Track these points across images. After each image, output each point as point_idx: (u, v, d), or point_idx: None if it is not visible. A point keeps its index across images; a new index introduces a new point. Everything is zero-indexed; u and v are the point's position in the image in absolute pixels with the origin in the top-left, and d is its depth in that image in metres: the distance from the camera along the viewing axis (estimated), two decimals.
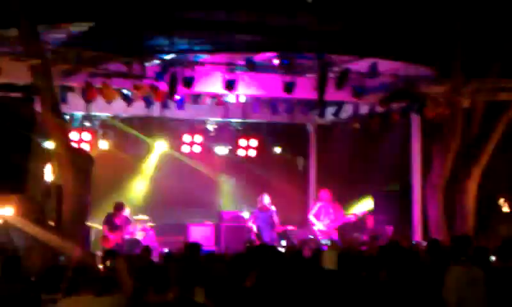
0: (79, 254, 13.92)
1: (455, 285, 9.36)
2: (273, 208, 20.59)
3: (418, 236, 19.74)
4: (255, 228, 20.19)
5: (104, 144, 20.84)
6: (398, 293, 9.08)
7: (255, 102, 20.39)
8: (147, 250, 14.21)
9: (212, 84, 17.93)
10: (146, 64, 16.29)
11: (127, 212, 19.95)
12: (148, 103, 18.06)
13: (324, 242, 19.19)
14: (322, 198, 20.65)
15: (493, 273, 10.38)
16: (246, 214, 22.13)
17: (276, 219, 20.34)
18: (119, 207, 19.94)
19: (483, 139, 19.14)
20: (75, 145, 17.64)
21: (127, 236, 19.68)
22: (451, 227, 19.11)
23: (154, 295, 7.42)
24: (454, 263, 9.58)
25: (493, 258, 12.15)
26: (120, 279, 8.52)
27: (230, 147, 22.91)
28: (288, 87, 17.40)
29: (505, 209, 20.50)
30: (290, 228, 21.22)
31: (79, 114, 19.58)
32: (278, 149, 23.46)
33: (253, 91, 18.71)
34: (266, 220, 20.10)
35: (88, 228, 18.71)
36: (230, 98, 20.08)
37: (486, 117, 19.23)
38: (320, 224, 20.27)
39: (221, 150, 22.98)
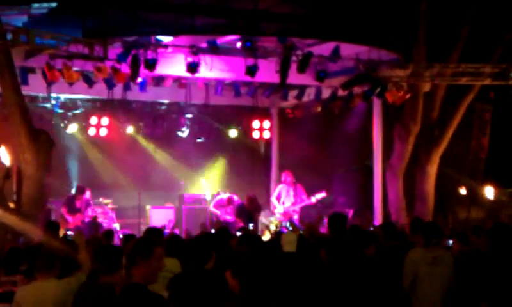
0: (39, 236, 13.87)
1: (412, 264, 9.57)
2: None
3: (378, 218, 19.91)
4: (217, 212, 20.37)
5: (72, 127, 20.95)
6: (356, 275, 9.20)
7: (217, 85, 20.37)
8: (108, 233, 14.15)
9: (174, 66, 17.91)
10: (108, 46, 16.17)
11: (87, 194, 19.84)
12: (110, 85, 17.94)
13: (284, 224, 19.28)
14: (284, 180, 20.73)
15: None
16: (208, 197, 22.17)
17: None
18: (80, 190, 19.81)
19: (443, 123, 19.35)
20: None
21: (87, 219, 19.59)
22: (411, 210, 19.34)
23: (105, 275, 7.39)
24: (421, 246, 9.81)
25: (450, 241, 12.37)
26: (78, 255, 8.46)
27: (192, 130, 22.86)
28: (251, 71, 17.39)
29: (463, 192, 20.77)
30: None
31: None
32: (240, 132, 23.43)
33: (216, 74, 18.68)
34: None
35: (49, 209, 18.58)
36: (193, 80, 20.04)
37: (446, 101, 19.45)
38: (281, 206, 20.35)
39: (183, 133, 22.91)
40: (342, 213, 10.50)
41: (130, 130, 21.74)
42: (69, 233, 16.71)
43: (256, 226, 19.42)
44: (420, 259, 9.64)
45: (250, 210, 19.93)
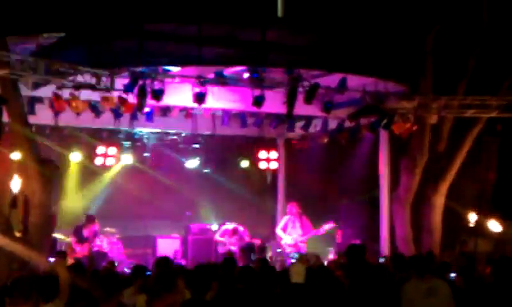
0: (45, 265, 13.85)
1: (407, 297, 9.51)
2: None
3: (385, 250, 19.82)
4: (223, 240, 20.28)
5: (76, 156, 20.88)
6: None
7: (224, 115, 20.38)
8: (111, 263, 14.18)
9: (181, 96, 17.92)
10: (115, 76, 16.21)
11: (96, 224, 19.85)
12: (117, 115, 17.97)
13: (291, 255, 19.20)
14: (290, 211, 20.66)
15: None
16: (214, 227, 22.10)
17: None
18: (89, 219, 19.84)
19: (450, 155, 19.31)
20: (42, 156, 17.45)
21: (94, 249, 19.56)
22: (418, 242, 19.25)
23: (103, 303, 7.41)
24: (416, 277, 9.76)
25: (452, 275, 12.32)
26: (59, 283, 8.47)
27: (199, 160, 22.83)
28: (258, 101, 17.39)
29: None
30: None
31: None
32: (247, 163, 23.40)
33: (223, 104, 18.71)
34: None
35: (55, 239, 18.58)
36: (199, 111, 20.05)
37: (453, 133, 19.42)
38: (288, 237, 20.27)
39: (191, 163, 22.89)
40: (360, 245, 10.43)
41: (130, 160, 21.68)
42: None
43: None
44: (414, 292, 9.56)
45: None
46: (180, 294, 6.39)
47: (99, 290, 8.03)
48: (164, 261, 10.87)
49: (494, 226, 20.18)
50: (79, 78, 15.64)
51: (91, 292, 8.72)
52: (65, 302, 8.25)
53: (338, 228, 20.62)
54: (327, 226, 20.18)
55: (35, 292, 8.36)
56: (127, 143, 21.34)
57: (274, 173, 24.30)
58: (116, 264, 15.19)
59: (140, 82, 16.37)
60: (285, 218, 20.83)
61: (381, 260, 17.89)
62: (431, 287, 9.56)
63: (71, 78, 15.63)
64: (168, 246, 21.25)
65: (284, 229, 20.50)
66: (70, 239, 19.55)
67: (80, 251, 19.18)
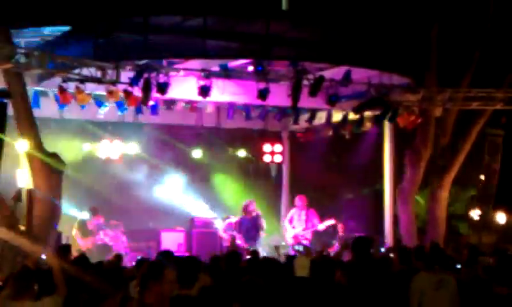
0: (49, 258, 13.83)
1: (418, 290, 9.54)
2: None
3: (389, 243, 19.82)
4: (226, 236, 20.19)
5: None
6: (367, 300, 9.15)
7: (229, 108, 20.37)
8: (118, 257, 14.17)
9: (186, 89, 17.91)
10: (120, 69, 16.21)
11: (100, 217, 19.84)
12: (121, 108, 17.97)
13: (296, 248, 19.20)
14: (297, 204, 20.63)
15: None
16: (218, 221, 22.03)
17: (261, 222, 20.06)
18: (93, 212, 19.84)
19: (455, 147, 19.30)
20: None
21: (98, 242, 19.57)
22: (422, 235, 19.25)
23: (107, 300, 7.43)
24: (425, 269, 9.80)
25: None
26: (54, 278, 8.49)
27: (204, 152, 22.79)
28: (263, 94, 17.38)
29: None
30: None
31: None
32: (251, 156, 23.39)
33: (227, 97, 18.69)
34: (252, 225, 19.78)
35: (59, 232, 18.56)
36: (204, 104, 20.04)
37: (457, 126, 19.40)
38: (293, 230, 20.26)
39: (195, 155, 22.83)
40: (367, 237, 10.44)
41: (134, 150, 21.67)
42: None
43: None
44: (426, 285, 9.63)
45: (250, 220, 19.59)
46: (168, 284, 6.33)
47: (104, 283, 8.04)
48: (165, 255, 10.84)
49: (500, 218, 20.19)
50: (85, 71, 15.64)
51: (94, 285, 8.75)
52: (65, 294, 8.25)
53: (340, 221, 20.57)
54: (328, 222, 20.15)
55: (35, 285, 8.38)
56: (132, 136, 21.29)
57: (279, 166, 24.29)
58: (122, 257, 15.16)
59: (145, 76, 16.38)
60: (292, 211, 20.79)
61: (382, 250, 17.95)
62: (441, 279, 9.62)
63: (76, 71, 15.64)
64: (172, 239, 21.25)
65: (290, 221, 20.49)
66: (73, 232, 19.54)
67: (85, 244, 19.19)
